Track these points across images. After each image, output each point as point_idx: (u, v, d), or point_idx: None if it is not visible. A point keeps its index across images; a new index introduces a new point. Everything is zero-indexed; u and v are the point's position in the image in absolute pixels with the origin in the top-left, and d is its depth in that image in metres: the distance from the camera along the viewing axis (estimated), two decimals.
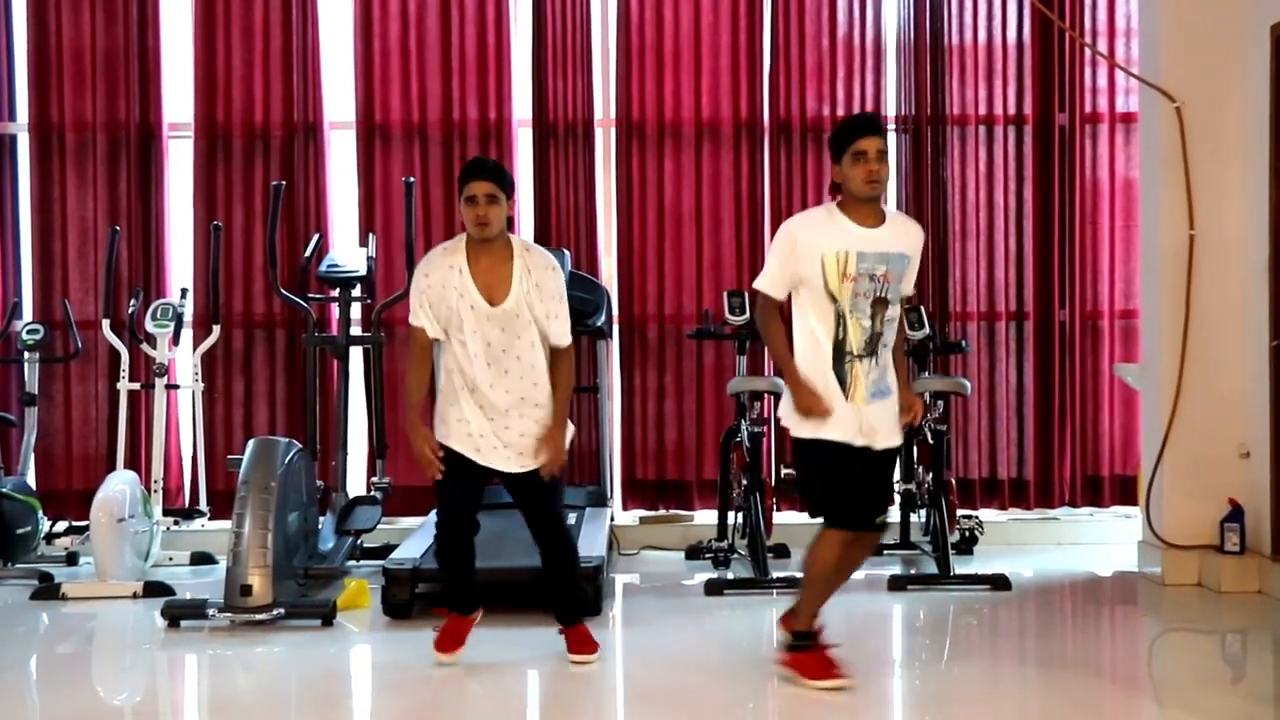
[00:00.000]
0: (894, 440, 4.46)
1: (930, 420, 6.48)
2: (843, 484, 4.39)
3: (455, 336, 4.60)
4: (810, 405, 4.32)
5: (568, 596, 4.87)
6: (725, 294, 6.83)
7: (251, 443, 5.79)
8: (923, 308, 6.80)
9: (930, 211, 7.44)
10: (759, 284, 4.45)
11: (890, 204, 4.42)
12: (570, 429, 4.77)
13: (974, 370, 7.41)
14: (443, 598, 4.90)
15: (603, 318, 6.94)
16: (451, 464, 4.64)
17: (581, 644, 4.82)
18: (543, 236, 7.42)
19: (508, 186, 4.60)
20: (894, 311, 4.40)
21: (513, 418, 4.61)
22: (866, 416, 4.35)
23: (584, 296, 6.89)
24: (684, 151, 7.45)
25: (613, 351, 7.38)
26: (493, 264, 4.58)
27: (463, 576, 4.85)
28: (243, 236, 7.43)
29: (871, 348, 4.36)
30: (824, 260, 4.31)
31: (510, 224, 4.67)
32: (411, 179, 6.74)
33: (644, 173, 7.46)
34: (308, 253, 6.80)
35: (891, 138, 7.45)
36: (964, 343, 7.00)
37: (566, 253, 7.07)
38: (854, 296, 4.33)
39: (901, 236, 4.40)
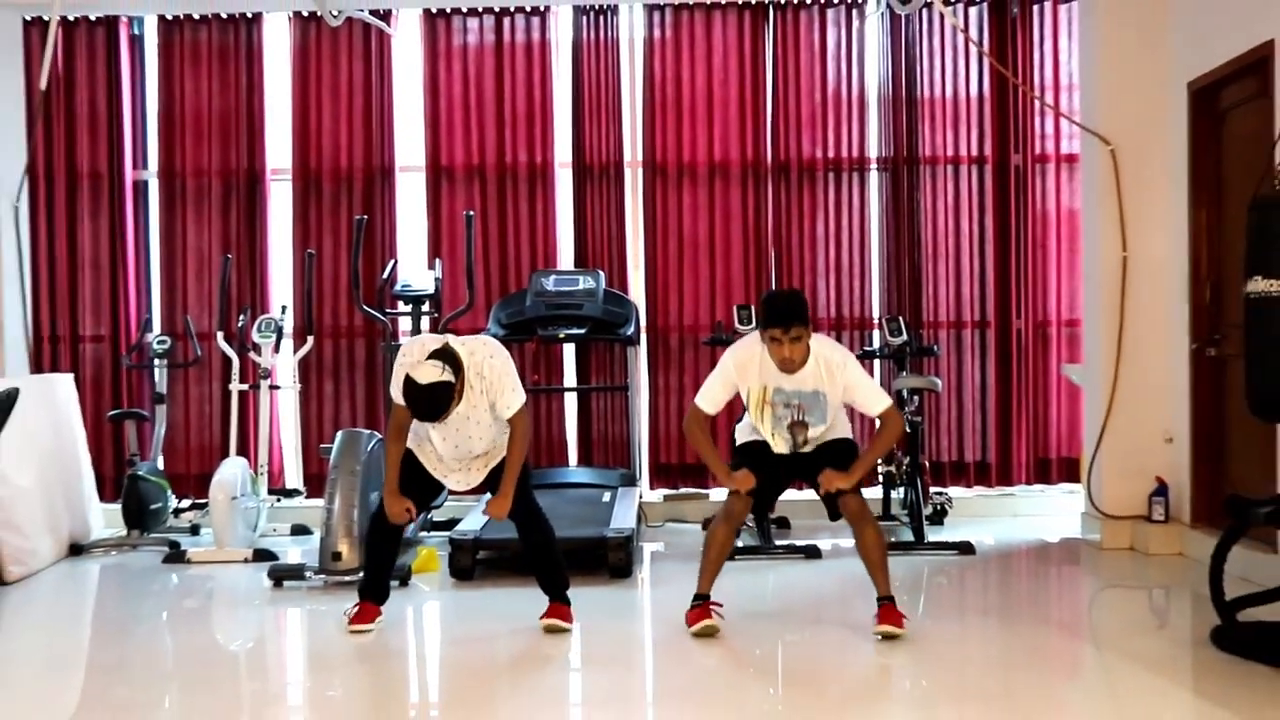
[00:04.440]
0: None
1: (907, 413, 6.45)
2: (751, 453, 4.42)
3: (420, 431, 4.42)
4: (740, 483, 4.40)
5: (551, 573, 4.59)
6: (735, 307, 6.89)
7: (340, 434, 5.79)
8: (900, 318, 6.80)
9: (907, 237, 7.40)
10: (698, 398, 4.46)
11: (820, 343, 4.40)
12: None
13: (944, 370, 7.39)
14: (367, 583, 4.59)
15: (632, 328, 6.93)
16: (411, 465, 4.45)
17: (557, 614, 4.54)
18: (581, 260, 7.40)
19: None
20: (817, 432, 4.38)
21: (472, 465, 4.49)
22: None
23: (616, 310, 6.92)
24: (699, 188, 7.44)
25: (640, 356, 7.35)
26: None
27: (385, 565, 4.55)
28: (331, 262, 7.44)
29: (796, 449, 4.42)
30: (750, 390, 4.39)
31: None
32: (471, 212, 6.79)
33: (666, 206, 7.45)
34: (384, 275, 6.82)
35: (873, 176, 7.46)
36: (935, 347, 7.00)
37: (601, 273, 7.07)
38: (774, 419, 4.40)
39: (815, 379, 4.33)
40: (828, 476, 4.36)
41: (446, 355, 4.21)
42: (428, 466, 4.52)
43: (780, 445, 4.46)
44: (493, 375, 4.31)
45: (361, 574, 4.70)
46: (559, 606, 4.59)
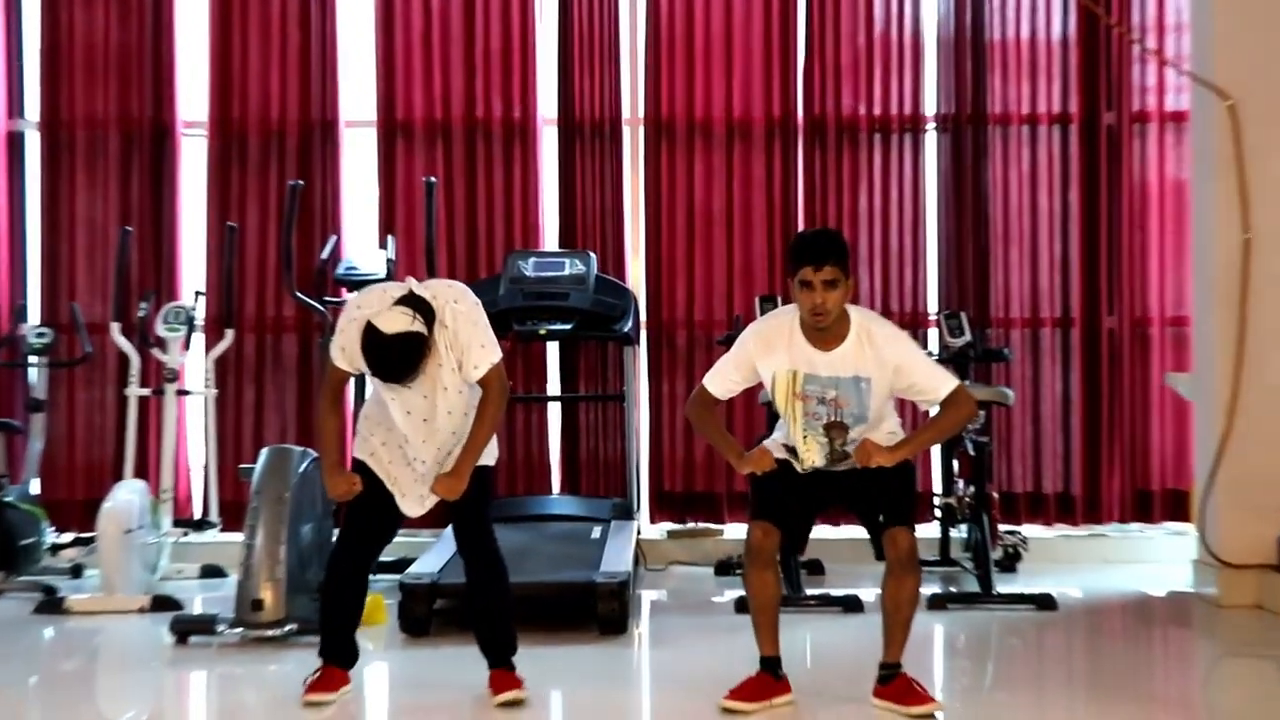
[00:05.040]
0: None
1: (971, 431, 6.42)
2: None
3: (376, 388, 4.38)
4: (754, 463, 4.36)
5: (497, 628, 4.54)
6: (757, 299, 6.79)
7: (264, 451, 5.79)
8: (963, 314, 6.76)
9: (971, 214, 7.42)
10: (706, 377, 4.47)
11: (863, 315, 4.35)
12: (494, 452, 4.51)
13: (1017, 379, 7.38)
14: (328, 643, 4.55)
15: (629, 323, 6.92)
16: (368, 484, 4.43)
17: (506, 683, 4.48)
18: (568, 239, 7.44)
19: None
20: (858, 432, 4.31)
21: (433, 468, 4.42)
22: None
23: (610, 301, 6.93)
24: (714, 151, 7.46)
25: (639, 358, 7.37)
26: None
27: (348, 618, 4.53)
28: (257, 238, 7.44)
29: (834, 462, 4.35)
30: (775, 376, 4.32)
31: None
32: (433, 179, 6.74)
33: (673, 173, 7.47)
34: (324, 255, 6.79)
35: (930, 138, 7.52)
36: (1006, 350, 6.96)
37: (592, 255, 7.06)
38: (807, 418, 4.33)
39: (857, 358, 4.26)
40: (865, 448, 4.27)
41: (415, 302, 4.19)
42: (386, 478, 4.45)
43: (814, 454, 4.38)
44: (459, 324, 4.27)
45: (320, 632, 4.64)
46: (505, 675, 4.52)
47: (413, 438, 4.39)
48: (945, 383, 4.31)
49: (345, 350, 4.30)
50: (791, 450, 4.44)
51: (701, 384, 4.48)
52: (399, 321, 4.10)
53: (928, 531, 7.03)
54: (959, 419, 4.38)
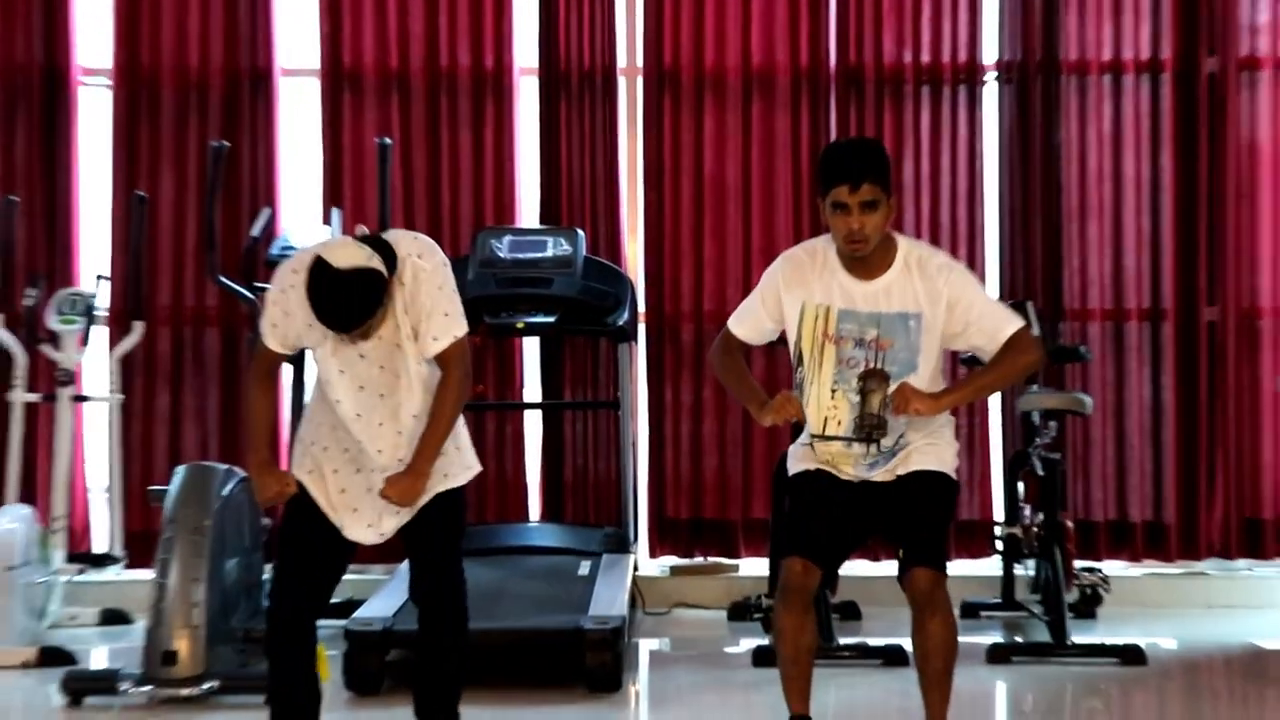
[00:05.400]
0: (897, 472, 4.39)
1: (1039, 446, 6.44)
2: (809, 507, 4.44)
3: (320, 370, 4.38)
4: (777, 412, 4.32)
5: (443, 687, 4.52)
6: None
7: (180, 470, 5.77)
8: (1030, 304, 6.73)
9: (1040, 183, 7.41)
10: (731, 319, 4.59)
11: (911, 242, 4.39)
12: (472, 466, 4.49)
13: (1096, 383, 7.34)
14: (281, 713, 4.43)
15: (625, 315, 6.93)
16: (303, 508, 4.37)
17: None
18: (551, 214, 7.45)
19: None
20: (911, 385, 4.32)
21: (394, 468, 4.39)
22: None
23: (602, 289, 6.93)
24: (729, 108, 7.45)
25: (637, 357, 7.38)
26: None
27: (297, 681, 4.41)
28: (173, 210, 7.40)
29: (865, 432, 4.30)
30: (803, 312, 4.37)
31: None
32: (388, 140, 6.74)
33: (678, 134, 7.46)
34: (255, 231, 6.80)
35: (990, 90, 7.52)
36: (1083, 348, 6.94)
37: (580, 234, 7.07)
38: (839, 365, 4.33)
39: (904, 291, 4.31)
40: (904, 391, 4.26)
41: (373, 242, 4.20)
42: (327, 502, 4.38)
43: (840, 417, 4.33)
44: (420, 284, 4.24)
45: (266, 699, 4.58)
46: None
47: (367, 423, 4.33)
48: (1009, 321, 4.33)
49: (278, 326, 4.27)
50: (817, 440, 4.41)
51: (725, 326, 4.57)
52: (354, 255, 4.06)
53: (988, 568, 7.07)
54: (1022, 366, 4.38)
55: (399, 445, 4.33)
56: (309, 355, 4.47)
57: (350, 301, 4.04)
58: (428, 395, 4.34)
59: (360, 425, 4.31)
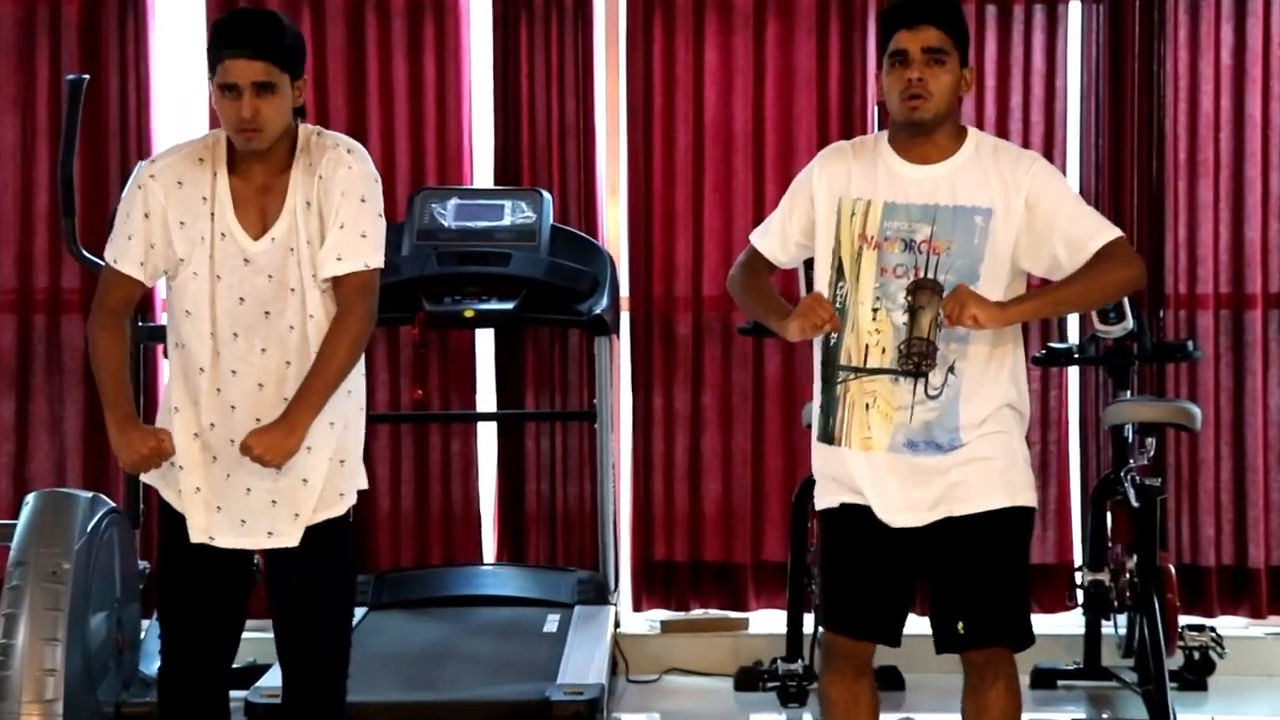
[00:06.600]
0: (955, 507, 4.42)
1: (1132, 471, 6.47)
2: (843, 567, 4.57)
3: (181, 293, 4.47)
4: (804, 317, 4.38)
5: None
6: (802, 263, 6.68)
7: (31, 499, 5.79)
8: None
9: (1134, 129, 7.39)
10: (754, 233, 4.79)
11: (988, 135, 4.54)
12: (358, 476, 4.55)
13: (1207, 390, 7.33)
14: None
15: (603, 301, 6.94)
16: (182, 536, 4.45)
17: None
18: (508, 170, 7.46)
19: (290, 59, 4.40)
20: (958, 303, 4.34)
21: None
22: (883, 472, 4.39)
23: (573, 267, 6.97)
24: (736, 32, 7.44)
25: (619, 355, 7.43)
26: (268, 177, 4.43)
27: None
28: (17, 164, 7.43)
29: (912, 361, 4.33)
30: (840, 208, 4.46)
31: (301, 115, 4.51)
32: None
33: (670, 67, 7.46)
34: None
35: (1074, 9, 7.50)
36: (1191, 345, 6.92)
37: (546, 195, 7.10)
38: (881, 277, 4.38)
39: (974, 178, 4.39)
40: (960, 295, 4.26)
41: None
42: (191, 499, 4.44)
43: (886, 345, 4.37)
44: (338, 182, 4.40)
45: None
46: None
47: (246, 348, 4.40)
48: (1104, 228, 4.38)
49: (135, 238, 4.38)
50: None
51: (749, 243, 4.74)
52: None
53: (1067, 625, 7.08)
54: (1117, 281, 4.42)
55: (285, 381, 4.40)
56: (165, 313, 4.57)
57: (255, 26, 4.33)
58: (313, 322, 4.43)
59: (237, 352, 4.39)
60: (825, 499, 4.55)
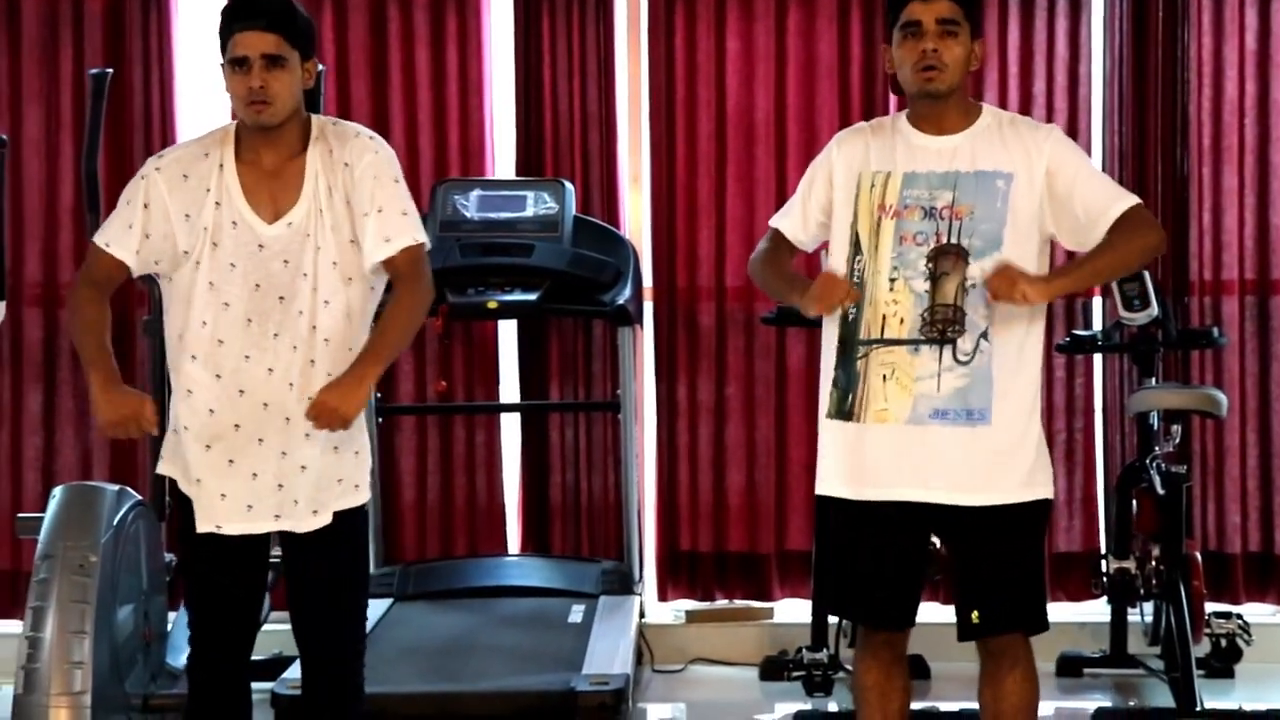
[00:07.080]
0: (965, 496, 4.41)
1: (1158, 459, 6.48)
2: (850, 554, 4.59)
3: (187, 280, 4.46)
4: (822, 289, 4.39)
5: None
6: (823, 252, 6.67)
7: (58, 493, 5.77)
8: (1146, 274, 6.63)
9: (1158, 115, 7.38)
10: (776, 215, 4.82)
11: (996, 109, 4.60)
12: (362, 482, 4.56)
13: (1233, 377, 7.31)
14: None
15: (626, 291, 6.97)
16: (194, 528, 4.48)
17: None
18: (531, 161, 7.46)
19: (301, 38, 4.43)
20: (982, 272, 4.32)
21: (276, 432, 4.45)
22: (898, 446, 4.37)
23: (597, 258, 7.01)
24: (758, 19, 7.43)
25: (642, 346, 7.43)
26: (279, 162, 4.46)
27: None
28: (41, 158, 7.42)
29: (939, 329, 4.34)
30: (859, 182, 4.50)
31: (314, 102, 4.57)
32: (321, 67, 6.59)
33: (692, 56, 7.45)
34: None
35: None
36: (1216, 331, 6.92)
37: (569, 187, 7.11)
38: (901, 245, 4.39)
39: (997, 146, 4.43)
40: (1004, 271, 4.28)
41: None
42: (191, 490, 4.46)
43: (905, 315, 4.38)
44: (366, 170, 4.45)
45: None
46: None
47: (259, 334, 4.41)
48: (1122, 196, 4.43)
49: (135, 226, 4.40)
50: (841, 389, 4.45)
51: (770, 226, 4.79)
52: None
53: (1092, 613, 7.08)
54: (1142, 247, 4.45)
55: (292, 366, 4.39)
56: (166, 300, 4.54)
57: None
58: (349, 322, 4.44)
59: (250, 337, 4.40)
60: (827, 484, 4.59)
